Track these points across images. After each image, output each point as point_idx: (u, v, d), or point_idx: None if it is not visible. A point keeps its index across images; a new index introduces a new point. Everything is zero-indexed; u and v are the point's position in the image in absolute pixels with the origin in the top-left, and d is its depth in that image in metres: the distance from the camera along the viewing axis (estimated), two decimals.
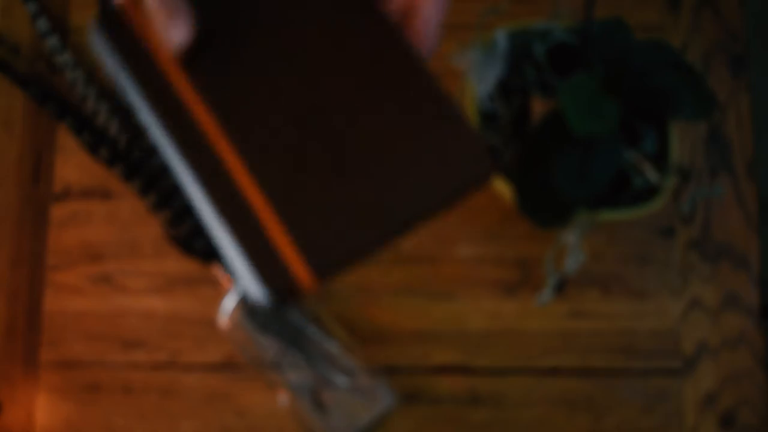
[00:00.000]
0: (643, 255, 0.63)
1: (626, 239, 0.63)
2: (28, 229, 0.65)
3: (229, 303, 0.58)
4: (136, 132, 0.62)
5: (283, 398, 0.58)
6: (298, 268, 0.29)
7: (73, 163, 0.66)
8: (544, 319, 0.62)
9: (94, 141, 0.63)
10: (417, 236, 0.63)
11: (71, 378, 0.62)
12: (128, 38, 0.32)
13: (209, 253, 0.61)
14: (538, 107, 0.53)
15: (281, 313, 0.58)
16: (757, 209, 0.63)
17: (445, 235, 0.63)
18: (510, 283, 0.62)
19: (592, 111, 0.48)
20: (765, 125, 1.38)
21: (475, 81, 0.55)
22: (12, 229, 0.65)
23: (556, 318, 0.62)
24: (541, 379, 0.61)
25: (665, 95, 0.52)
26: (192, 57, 0.32)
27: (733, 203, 0.63)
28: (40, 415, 0.62)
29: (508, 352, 0.61)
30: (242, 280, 0.29)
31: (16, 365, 0.63)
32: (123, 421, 0.62)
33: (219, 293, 0.63)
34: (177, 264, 0.64)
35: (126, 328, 0.63)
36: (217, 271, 0.60)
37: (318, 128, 0.31)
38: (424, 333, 0.62)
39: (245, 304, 0.58)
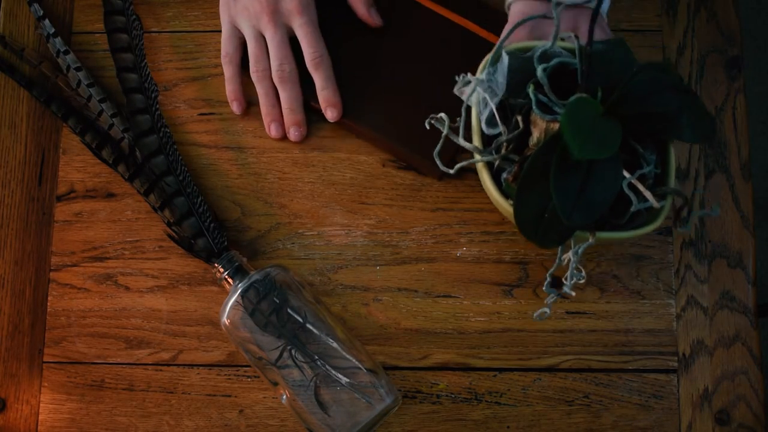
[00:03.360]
0: (640, 255, 0.63)
1: (623, 239, 0.63)
2: (33, 228, 0.65)
3: (230, 302, 0.59)
4: (139, 133, 0.62)
5: (284, 396, 0.58)
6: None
7: (77, 164, 0.66)
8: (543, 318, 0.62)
9: (98, 142, 0.64)
10: (417, 236, 0.64)
11: (75, 376, 0.63)
12: None
13: (211, 253, 0.61)
14: (539, 127, 0.53)
15: (282, 310, 0.59)
16: (752, 209, 0.63)
17: (445, 235, 0.64)
18: (509, 283, 0.63)
19: (593, 135, 0.48)
20: (760, 126, 1.38)
21: (478, 102, 0.55)
22: (17, 228, 0.65)
23: (555, 317, 0.62)
24: (540, 377, 0.61)
25: (666, 118, 0.51)
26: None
27: (729, 203, 0.63)
28: (44, 413, 0.62)
29: (506, 351, 0.62)
30: None
31: (21, 363, 0.63)
32: (126, 419, 0.62)
33: (221, 292, 0.64)
34: (179, 263, 0.64)
35: (129, 327, 0.63)
36: (218, 271, 0.60)
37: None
38: (424, 332, 0.62)
39: (246, 303, 0.59)
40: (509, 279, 0.63)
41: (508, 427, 0.61)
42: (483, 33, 0.65)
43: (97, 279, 0.64)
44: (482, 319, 0.62)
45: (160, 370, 0.63)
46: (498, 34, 0.64)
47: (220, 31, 0.68)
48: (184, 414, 0.62)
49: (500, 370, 0.62)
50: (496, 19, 0.65)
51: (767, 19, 1.42)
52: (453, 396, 0.61)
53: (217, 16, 0.68)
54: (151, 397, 0.62)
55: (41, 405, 0.63)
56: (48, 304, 0.64)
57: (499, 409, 0.61)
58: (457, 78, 0.56)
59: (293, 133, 0.65)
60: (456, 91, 0.56)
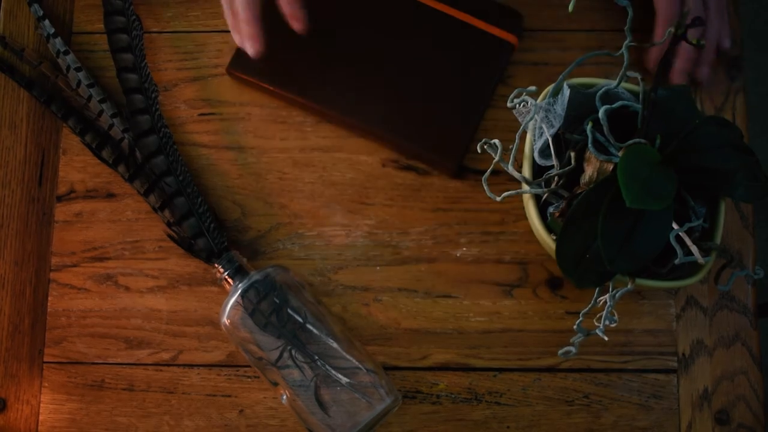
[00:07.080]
0: None
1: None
2: (33, 229, 0.65)
3: (230, 302, 0.59)
4: (139, 133, 0.62)
5: (284, 396, 0.58)
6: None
7: (77, 164, 0.66)
8: (543, 318, 0.62)
9: (98, 142, 0.64)
10: (417, 236, 0.64)
11: (75, 376, 0.63)
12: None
13: (211, 253, 0.61)
14: (592, 165, 0.52)
15: (282, 310, 0.59)
16: (752, 209, 0.63)
17: (445, 235, 0.64)
18: (509, 283, 0.63)
19: (648, 186, 0.47)
20: (760, 126, 1.38)
21: (534, 129, 0.54)
22: (17, 228, 0.65)
23: (555, 317, 0.62)
24: (540, 377, 0.61)
25: (722, 175, 0.50)
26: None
27: (729, 203, 0.63)
28: (44, 413, 0.62)
29: (506, 351, 0.62)
30: None
31: (21, 363, 0.63)
32: (126, 419, 0.62)
33: (221, 293, 0.64)
34: (179, 264, 0.64)
35: (129, 327, 0.63)
36: (218, 271, 0.60)
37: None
38: (423, 332, 0.62)
39: (246, 304, 0.59)
40: (509, 279, 0.63)
41: (508, 427, 0.61)
42: (483, 26, 0.65)
43: (97, 279, 0.64)
44: (482, 319, 0.62)
45: (160, 370, 0.63)
46: (499, 27, 0.65)
47: (221, 32, 0.68)
48: (184, 414, 0.62)
49: (500, 370, 0.62)
50: (496, 11, 0.65)
51: (767, 19, 1.42)
52: (453, 396, 0.61)
53: (217, 16, 0.68)
54: (151, 397, 0.62)
55: (41, 405, 0.63)
56: (48, 304, 0.64)
57: (499, 409, 0.61)
58: (515, 101, 0.54)
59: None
60: (509, 104, 0.55)
